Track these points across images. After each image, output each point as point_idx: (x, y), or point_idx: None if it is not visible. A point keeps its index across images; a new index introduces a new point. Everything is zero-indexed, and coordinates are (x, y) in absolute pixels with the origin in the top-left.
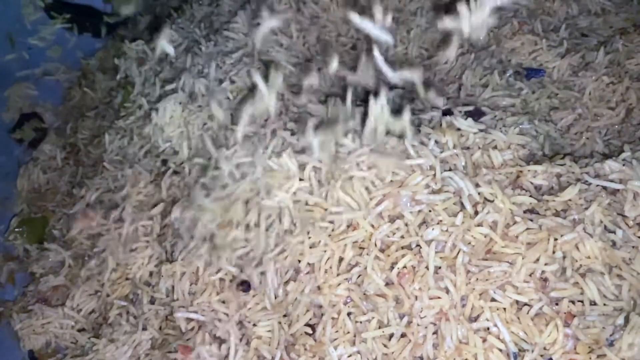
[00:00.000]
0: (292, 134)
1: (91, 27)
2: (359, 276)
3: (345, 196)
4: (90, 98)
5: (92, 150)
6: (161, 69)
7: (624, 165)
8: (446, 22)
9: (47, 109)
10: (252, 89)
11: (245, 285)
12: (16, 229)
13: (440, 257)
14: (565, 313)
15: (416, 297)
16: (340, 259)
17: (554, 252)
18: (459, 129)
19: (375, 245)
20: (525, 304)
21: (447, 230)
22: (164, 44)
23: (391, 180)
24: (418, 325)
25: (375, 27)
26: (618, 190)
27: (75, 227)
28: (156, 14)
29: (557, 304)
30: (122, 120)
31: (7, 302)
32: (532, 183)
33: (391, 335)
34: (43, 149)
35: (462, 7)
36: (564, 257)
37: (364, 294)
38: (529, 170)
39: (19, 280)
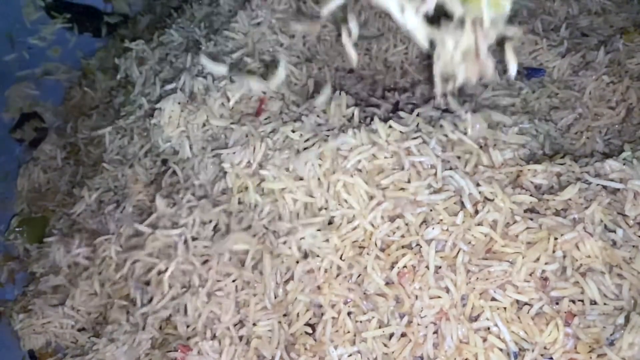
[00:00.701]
0: (293, 131)
1: (91, 27)
2: (359, 276)
3: (346, 195)
4: (90, 98)
5: (92, 150)
6: (161, 68)
7: (624, 164)
8: None
9: (48, 109)
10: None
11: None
12: (16, 229)
13: (441, 257)
14: (565, 312)
15: (416, 297)
16: (341, 258)
17: (554, 252)
18: (458, 128)
19: (376, 244)
20: (526, 304)
21: (447, 230)
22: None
23: (393, 182)
24: (418, 324)
25: None
26: (618, 189)
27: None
28: (156, 13)
29: (557, 304)
30: (122, 119)
31: (7, 302)
32: (532, 182)
33: (391, 335)
34: (43, 149)
35: None
36: (564, 257)
37: (364, 293)
38: (529, 170)
39: (19, 280)
